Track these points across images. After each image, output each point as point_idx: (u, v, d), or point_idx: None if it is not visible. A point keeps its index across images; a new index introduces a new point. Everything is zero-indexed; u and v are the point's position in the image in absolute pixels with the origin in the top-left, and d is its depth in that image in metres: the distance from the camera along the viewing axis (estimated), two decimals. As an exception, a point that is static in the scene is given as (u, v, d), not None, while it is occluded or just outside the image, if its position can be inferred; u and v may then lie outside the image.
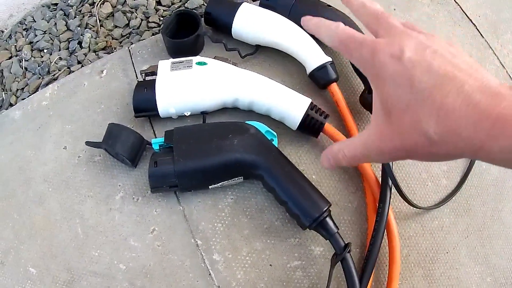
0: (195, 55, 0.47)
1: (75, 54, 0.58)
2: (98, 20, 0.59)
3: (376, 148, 0.27)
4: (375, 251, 0.40)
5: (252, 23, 0.49)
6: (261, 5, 0.51)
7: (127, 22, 0.59)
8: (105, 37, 0.58)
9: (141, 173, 0.45)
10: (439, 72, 0.23)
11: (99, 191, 0.45)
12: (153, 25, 0.58)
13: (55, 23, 0.60)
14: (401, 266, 0.42)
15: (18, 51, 0.60)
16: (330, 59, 0.47)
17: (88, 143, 0.44)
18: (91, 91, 0.50)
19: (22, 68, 0.58)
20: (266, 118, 0.47)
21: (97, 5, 0.60)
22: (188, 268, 0.41)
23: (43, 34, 0.60)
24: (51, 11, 0.62)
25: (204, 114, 0.46)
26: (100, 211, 0.44)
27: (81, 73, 0.52)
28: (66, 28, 0.60)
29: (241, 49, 0.50)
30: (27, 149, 0.48)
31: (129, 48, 0.53)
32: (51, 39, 0.60)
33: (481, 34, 0.57)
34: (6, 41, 0.62)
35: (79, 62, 0.57)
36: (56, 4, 0.63)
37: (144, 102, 0.45)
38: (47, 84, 0.55)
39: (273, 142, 0.44)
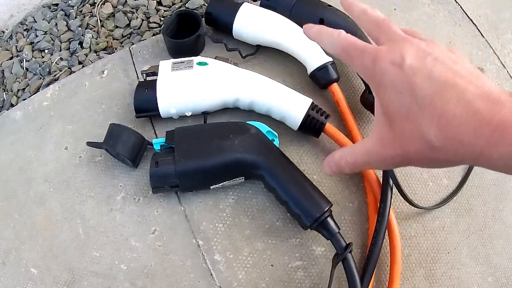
0: (196, 55, 0.47)
1: (76, 54, 0.58)
2: (99, 21, 0.59)
3: (378, 155, 0.27)
4: (376, 251, 0.40)
5: (253, 23, 0.49)
6: (261, 5, 0.51)
7: (128, 22, 0.59)
8: (106, 38, 0.58)
9: (142, 173, 0.45)
10: (440, 79, 0.23)
11: (100, 191, 0.45)
12: (154, 25, 0.58)
13: (56, 24, 0.60)
14: (402, 266, 0.41)
15: (19, 51, 0.60)
16: (330, 59, 0.47)
17: (89, 144, 0.44)
18: (92, 92, 0.50)
19: (23, 68, 0.58)
20: (267, 118, 0.47)
21: (98, 6, 0.60)
22: (189, 269, 0.41)
23: (44, 34, 0.60)
24: (52, 12, 0.62)
25: (205, 114, 0.46)
26: (101, 211, 0.44)
27: (82, 73, 0.52)
28: (67, 29, 0.60)
29: (242, 49, 0.50)
30: (28, 150, 0.48)
31: (130, 49, 0.53)
32: (52, 39, 0.60)
33: (481, 34, 0.57)
34: (7, 41, 0.62)
35: (80, 63, 0.57)
36: (57, 5, 0.63)
37: (145, 102, 0.45)
38: (48, 84, 0.55)
39: (274, 142, 0.44)
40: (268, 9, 0.50)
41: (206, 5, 0.53)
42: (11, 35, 0.62)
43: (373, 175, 0.44)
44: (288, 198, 0.40)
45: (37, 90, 0.56)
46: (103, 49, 0.58)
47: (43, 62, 0.58)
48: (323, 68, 0.47)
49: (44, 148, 0.47)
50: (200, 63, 0.45)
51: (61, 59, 0.58)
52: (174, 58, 0.49)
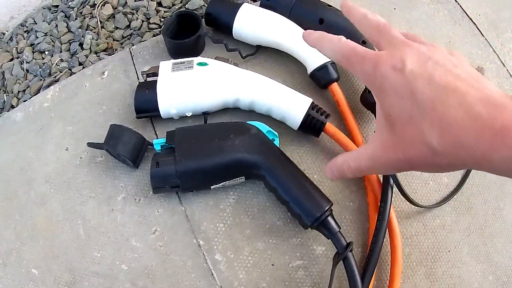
0: (196, 56, 0.47)
1: (76, 55, 0.58)
2: (99, 22, 0.59)
3: (380, 160, 0.27)
4: (377, 250, 0.40)
5: (253, 23, 0.49)
6: (261, 5, 0.51)
7: (128, 23, 0.59)
8: (106, 39, 0.59)
9: (143, 173, 0.45)
10: (441, 84, 0.23)
11: (101, 192, 0.45)
12: (154, 26, 0.58)
13: (56, 25, 0.60)
14: (403, 265, 0.42)
15: (19, 53, 0.60)
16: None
17: (89, 144, 0.44)
18: (93, 93, 0.50)
19: (24, 70, 0.59)
20: (267, 118, 0.47)
21: (98, 7, 0.60)
22: (190, 269, 0.42)
23: (44, 36, 0.60)
24: (52, 13, 0.62)
25: (205, 114, 0.46)
26: (102, 212, 0.44)
27: (82, 74, 0.52)
28: (67, 30, 0.60)
29: (242, 50, 0.50)
30: (29, 150, 0.48)
31: (130, 49, 0.53)
32: (52, 41, 0.60)
33: (481, 33, 0.57)
34: (7, 43, 0.62)
35: (80, 64, 0.57)
36: (57, 6, 0.63)
37: (145, 103, 0.45)
38: (48, 85, 0.55)
39: (274, 142, 0.44)
40: (268, 9, 0.50)
41: (206, 5, 0.53)
42: (11, 36, 0.63)
43: (374, 174, 0.44)
44: (288, 197, 0.40)
45: (38, 91, 0.56)
46: (104, 50, 0.58)
47: (44, 64, 0.58)
48: (323, 67, 0.47)
49: (45, 149, 0.48)
50: (200, 64, 0.45)
51: (62, 60, 0.58)
52: (174, 58, 0.49)
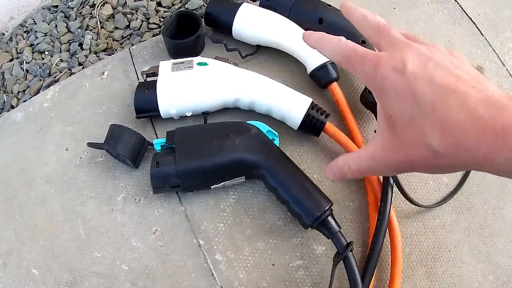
0: (196, 56, 0.47)
1: (76, 55, 0.58)
2: (98, 22, 0.59)
3: (381, 162, 0.27)
4: (377, 249, 0.40)
5: (253, 23, 0.49)
6: (261, 5, 0.51)
7: (128, 23, 0.59)
8: (106, 39, 0.59)
9: (143, 173, 0.45)
10: (442, 85, 0.23)
11: (101, 192, 0.45)
12: (153, 26, 0.58)
13: (56, 25, 0.60)
14: (403, 264, 0.42)
15: (19, 53, 0.60)
16: (330, 58, 0.47)
17: (89, 144, 0.44)
18: (92, 93, 0.50)
19: (23, 70, 0.59)
20: (267, 118, 0.47)
21: (97, 7, 0.60)
22: (190, 268, 0.42)
23: (44, 36, 0.60)
24: (52, 13, 0.62)
25: (205, 114, 0.46)
26: (102, 212, 0.44)
27: (82, 74, 0.52)
28: (66, 30, 0.60)
29: (242, 49, 0.50)
30: (29, 151, 0.48)
31: (130, 49, 0.53)
32: (52, 41, 0.60)
33: (481, 32, 0.57)
34: (7, 43, 0.62)
35: (80, 64, 0.57)
36: (56, 6, 0.63)
37: (145, 103, 0.45)
38: (48, 86, 0.55)
39: (274, 142, 0.44)
40: (268, 9, 0.50)
41: (206, 5, 0.53)
42: (11, 37, 0.62)
43: (374, 175, 0.44)
44: (288, 197, 0.40)
45: (38, 91, 0.56)
46: (103, 50, 0.58)
47: (43, 64, 0.58)
48: (323, 67, 0.47)
49: (45, 149, 0.48)
50: (200, 64, 0.45)
51: (61, 60, 0.58)
52: (174, 58, 0.49)
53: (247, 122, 0.44)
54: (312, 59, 0.48)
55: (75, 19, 0.60)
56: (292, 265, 0.42)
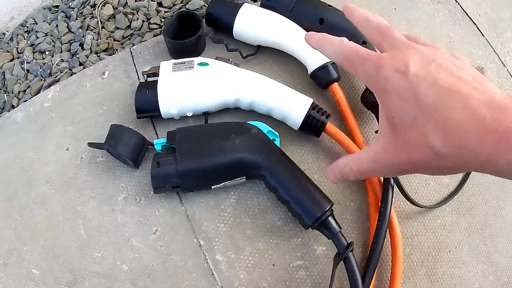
0: (197, 56, 0.47)
1: (76, 56, 0.58)
2: (99, 22, 0.59)
3: (383, 163, 0.27)
4: (378, 250, 0.40)
5: (253, 23, 0.49)
6: (262, 5, 0.51)
7: (129, 23, 0.59)
8: (107, 39, 0.59)
9: (144, 174, 0.45)
10: (444, 86, 0.23)
11: (102, 192, 0.45)
12: (154, 26, 0.58)
13: (57, 25, 0.60)
14: (403, 265, 0.42)
15: (19, 53, 0.60)
16: (331, 59, 0.48)
17: (90, 144, 0.44)
18: (93, 93, 0.50)
19: (24, 70, 0.59)
20: (267, 118, 0.47)
21: (98, 7, 0.60)
22: (191, 269, 0.42)
23: (44, 36, 0.60)
24: (53, 13, 0.62)
25: (206, 114, 0.46)
26: (102, 212, 0.44)
27: (83, 74, 0.52)
28: (67, 30, 0.60)
29: (243, 50, 0.50)
30: (29, 151, 0.48)
31: (131, 50, 0.53)
32: (52, 41, 0.60)
33: (481, 33, 0.57)
34: (8, 43, 0.62)
35: (80, 64, 0.57)
36: (57, 6, 0.63)
37: (146, 103, 0.45)
38: (49, 86, 0.55)
39: (275, 142, 0.44)
40: (269, 10, 0.50)
41: (207, 6, 0.53)
42: (11, 37, 0.63)
43: (376, 177, 0.44)
44: (289, 197, 0.40)
45: (38, 91, 0.56)
46: (104, 51, 0.58)
47: (44, 64, 0.58)
48: (323, 67, 0.47)
49: (45, 149, 0.48)
50: (201, 64, 0.45)
51: (62, 60, 0.58)
52: (175, 58, 0.49)
53: (248, 122, 0.44)
54: (313, 60, 0.48)
55: (76, 19, 0.60)
56: (292, 265, 0.42)
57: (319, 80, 0.48)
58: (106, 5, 0.60)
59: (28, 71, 0.58)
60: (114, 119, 0.48)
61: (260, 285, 0.41)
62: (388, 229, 0.41)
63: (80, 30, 0.59)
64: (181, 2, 0.60)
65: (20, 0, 0.61)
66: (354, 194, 0.45)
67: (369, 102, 0.46)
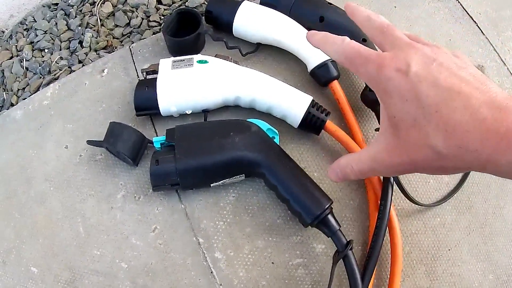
0: (196, 54, 0.47)
1: (76, 53, 0.58)
2: (99, 20, 0.59)
3: (384, 162, 0.27)
4: (377, 248, 0.40)
5: (253, 21, 0.49)
6: (262, 3, 0.51)
7: (128, 21, 0.59)
8: (106, 36, 0.58)
9: (143, 171, 0.45)
10: (446, 86, 0.23)
11: (101, 190, 0.45)
12: (154, 24, 0.58)
13: (56, 23, 0.60)
14: (403, 263, 0.41)
15: (19, 51, 0.60)
16: (331, 56, 0.47)
17: (89, 142, 0.44)
18: (92, 90, 0.50)
19: (23, 68, 0.58)
20: (267, 116, 0.47)
21: (97, 5, 0.60)
22: (190, 267, 0.41)
23: (43, 34, 0.60)
24: (52, 11, 0.62)
25: (205, 112, 0.46)
26: (101, 209, 0.44)
27: (82, 72, 0.52)
28: (67, 28, 0.60)
29: (242, 47, 0.50)
30: (29, 149, 0.48)
31: (130, 47, 0.53)
32: (52, 38, 0.60)
33: (481, 31, 0.57)
34: (7, 41, 0.62)
35: (80, 62, 0.57)
36: (56, 4, 0.63)
37: (145, 100, 0.45)
38: (48, 83, 0.55)
39: (274, 140, 0.44)
40: (268, 7, 0.50)
41: (206, 3, 0.53)
42: (11, 34, 0.62)
43: (377, 176, 0.44)
44: (289, 195, 0.40)
45: (37, 89, 0.56)
46: (103, 48, 0.58)
47: (43, 62, 0.58)
48: (323, 65, 0.47)
49: (45, 147, 0.47)
50: (200, 61, 0.45)
51: (61, 58, 0.58)
52: (174, 56, 0.49)
53: (247, 120, 0.44)
54: (313, 57, 0.47)
55: (75, 17, 0.60)
56: (291, 264, 0.42)
57: (319, 78, 0.48)
58: (106, 2, 0.60)
59: (27, 69, 0.58)
60: (113, 117, 0.48)
61: (259, 283, 0.41)
62: (387, 227, 0.41)
63: (79, 28, 0.59)
64: (181, 0, 0.60)
65: (19, -2, 0.61)
66: (354, 192, 0.45)
67: (369, 100, 0.46)
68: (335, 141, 0.46)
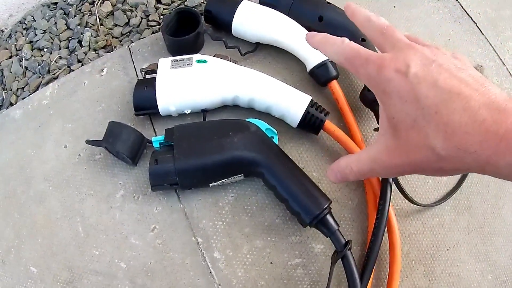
0: (195, 53, 0.47)
1: (75, 53, 0.58)
2: (98, 19, 0.59)
3: (384, 163, 0.27)
4: (376, 248, 0.40)
5: (252, 20, 0.49)
6: (261, 2, 0.51)
7: (127, 20, 0.59)
8: (105, 36, 0.58)
9: (142, 171, 0.45)
10: (445, 88, 0.23)
11: (100, 189, 0.45)
12: (153, 23, 0.58)
13: (55, 22, 0.60)
14: (401, 263, 0.41)
15: (18, 50, 0.60)
16: (330, 56, 0.47)
17: (88, 142, 0.44)
18: (92, 90, 0.50)
19: (22, 67, 0.58)
20: (266, 115, 0.47)
21: (97, 4, 0.60)
22: (188, 266, 0.42)
23: (43, 33, 0.60)
24: (51, 10, 0.62)
25: (204, 112, 0.46)
26: (100, 209, 0.44)
27: (81, 72, 0.52)
28: (66, 27, 0.60)
29: (241, 47, 0.50)
30: (28, 148, 0.48)
31: (129, 47, 0.53)
32: (51, 38, 0.60)
33: (481, 31, 0.57)
34: (6, 40, 0.62)
35: (79, 61, 0.57)
36: (56, 3, 0.63)
37: (144, 100, 0.45)
38: (47, 83, 0.55)
39: (273, 140, 0.44)
40: (268, 7, 0.50)
41: (205, 3, 0.53)
42: (10, 34, 0.62)
43: (376, 177, 0.44)
44: (287, 195, 0.40)
45: (37, 88, 0.56)
46: (102, 48, 0.58)
47: (43, 61, 0.58)
48: (322, 65, 0.47)
49: (44, 146, 0.47)
50: (199, 61, 0.45)
51: (60, 57, 0.58)
52: (173, 56, 0.49)
53: (246, 119, 0.44)
54: (312, 57, 0.47)
55: (75, 16, 0.60)
56: (290, 263, 0.42)
57: (318, 78, 0.48)
58: (105, 2, 0.60)
59: (26, 68, 0.58)
60: (112, 116, 0.48)
61: (258, 283, 0.41)
62: (386, 228, 0.41)
63: (79, 27, 0.59)
64: (180, -1, 0.60)
65: (18, -3, 0.61)
66: (353, 192, 0.45)
67: (368, 100, 0.46)
68: (334, 141, 0.46)
